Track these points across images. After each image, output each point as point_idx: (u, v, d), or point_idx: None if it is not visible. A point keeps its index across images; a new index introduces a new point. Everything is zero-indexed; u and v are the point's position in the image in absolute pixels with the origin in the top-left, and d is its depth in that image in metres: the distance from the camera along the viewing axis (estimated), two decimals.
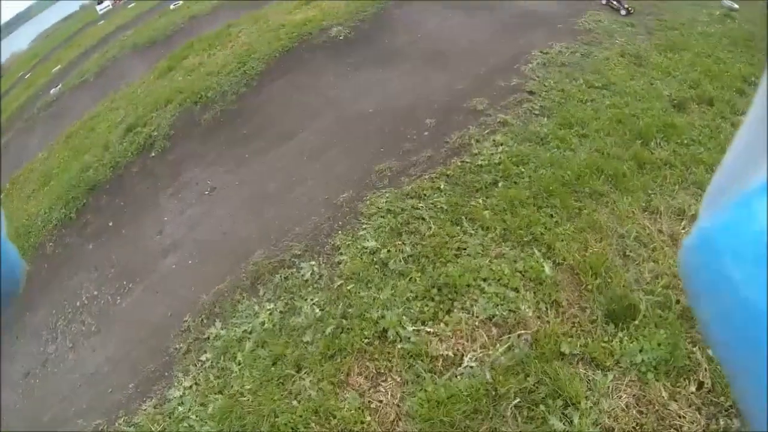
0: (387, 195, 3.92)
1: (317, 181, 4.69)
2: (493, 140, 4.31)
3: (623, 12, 7.56)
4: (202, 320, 3.82)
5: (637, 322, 2.56)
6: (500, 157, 4.04)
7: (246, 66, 7.37)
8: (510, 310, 2.76)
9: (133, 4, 25.86)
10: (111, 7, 30.18)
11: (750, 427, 0.24)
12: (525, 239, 3.19)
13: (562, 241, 3.17)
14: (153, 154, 6.77)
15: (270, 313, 3.45)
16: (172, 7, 16.81)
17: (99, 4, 31.42)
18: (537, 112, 4.72)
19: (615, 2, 7.71)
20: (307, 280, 3.55)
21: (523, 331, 2.64)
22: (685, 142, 4.16)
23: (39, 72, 21.09)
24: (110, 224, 6.12)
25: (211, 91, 7.09)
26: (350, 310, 3.07)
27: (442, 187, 3.81)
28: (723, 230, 0.26)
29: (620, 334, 2.51)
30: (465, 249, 3.22)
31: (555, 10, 8.13)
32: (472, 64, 5.96)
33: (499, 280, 2.94)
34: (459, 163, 4.06)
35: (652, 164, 3.85)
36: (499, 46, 6.35)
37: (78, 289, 5.28)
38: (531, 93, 5.04)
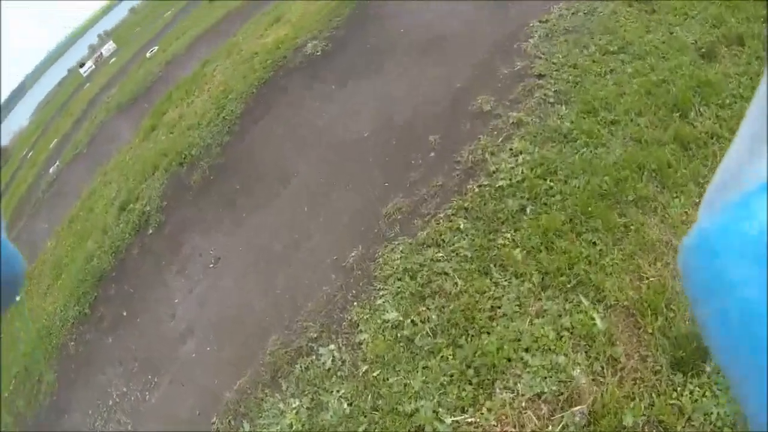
0: (401, 248, 3.35)
1: (322, 235, 4.18)
2: (510, 149, 3.66)
3: None
4: (229, 421, 3.49)
5: (709, 368, 2.12)
6: (522, 171, 3.39)
7: (225, 110, 6.90)
8: (560, 381, 2.31)
9: (113, 59, 25.86)
10: (93, 67, 30.32)
11: (750, 428, 0.23)
12: (568, 285, 2.60)
13: (611, 275, 2.57)
14: (150, 231, 6.40)
15: (296, 412, 3.07)
16: (148, 55, 16.54)
17: (81, 67, 31.64)
18: (552, 99, 4.01)
19: None
20: (329, 369, 3.08)
21: (577, 408, 2.19)
22: (727, 102, 3.41)
23: (39, 147, 21.34)
24: (124, 314, 5.83)
25: (194, 148, 6.65)
26: (380, 401, 2.71)
27: (461, 226, 3.21)
28: (722, 230, 0.25)
29: (690, 385, 2.11)
30: (499, 308, 2.65)
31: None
32: (467, 52, 5.27)
33: (543, 346, 2.40)
34: (476, 189, 3.44)
35: (697, 141, 3.15)
36: (492, 24, 5.62)
37: (107, 386, 5.09)
38: (540, 76, 4.32)
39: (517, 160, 3.53)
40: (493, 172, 3.54)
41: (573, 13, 5.16)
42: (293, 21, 8.24)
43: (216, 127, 6.71)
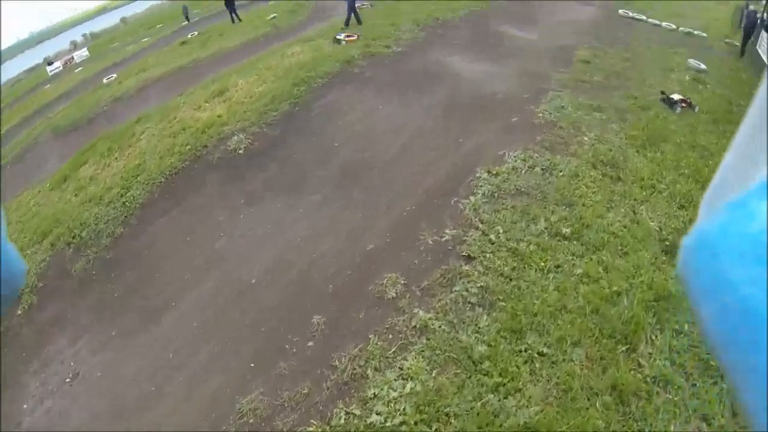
0: None
1: (177, 402, 3.60)
2: (401, 368, 3.10)
3: (678, 109, 6.82)
4: None
5: None
6: (405, 409, 2.82)
7: (129, 194, 6.31)
8: None
9: (80, 69, 24.95)
10: (61, 68, 29.20)
11: (751, 427, 0.24)
12: None
13: None
14: (19, 312, 5.64)
15: None
16: (105, 81, 15.88)
17: (49, 65, 30.46)
18: (474, 299, 3.50)
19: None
20: None
21: None
22: (686, 327, 3.07)
23: None
24: None
25: (86, 229, 5.98)
26: None
27: None
28: (722, 230, 0.25)
29: None
30: None
31: (511, 92, 7.34)
32: (396, 191, 4.95)
33: None
34: (342, 418, 2.87)
35: (638, 393, 2.74)
36: (438, 155, 5.39)
37: None
38: (469, 259, 3.86)
39: (403, 389, 2.96)
40: (370, 399, 2.96)
41: (529, 168, 4.97)
42: (233, 100, 7.86)
43: (114, 211, 6.09)
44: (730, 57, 10.94)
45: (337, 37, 10.03)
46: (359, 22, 11.53)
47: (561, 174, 4.85)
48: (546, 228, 4.04)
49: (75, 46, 52.43)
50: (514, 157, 5.18)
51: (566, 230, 3.99)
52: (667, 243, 4.00)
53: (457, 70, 8.43)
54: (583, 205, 4.35)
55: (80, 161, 8.55)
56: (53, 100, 18.69)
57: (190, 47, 16.27)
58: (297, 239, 4.87)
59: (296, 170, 5.82)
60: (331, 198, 5.18)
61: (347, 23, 11.54)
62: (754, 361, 0.22)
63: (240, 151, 6.39)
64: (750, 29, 10.67)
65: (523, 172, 4.91)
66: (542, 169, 4.97)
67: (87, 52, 29.59)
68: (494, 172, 4.89)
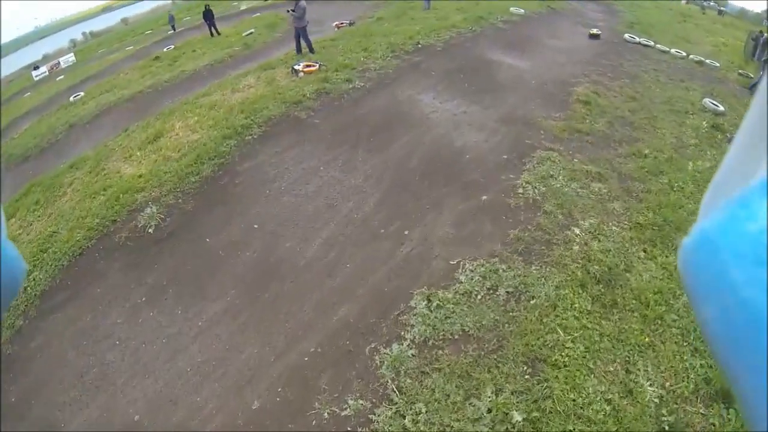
0: None
1: None
2: None
3: None
4: None
5: None
6: None
7: (33, 274, 5.38)
8: None
9: (62, 77, 24.12)
10: (47, 74, 28.43)
11: (750, 428, 0.24)
12: None
13: None
14: None
15: None
16: (72, 99, 14.97)
17: (35, 69, 29.71)
18: None
19: None
20: None
21: None
22: None
23: None
24: None
25: None
26: None
27: None
28: (723, 230, 0.25)
29: None
30: None
31: (487, 149, 6.20)
32: (302, 317, 3.87)
33: None
34: None
35: None
36: (368, 260, 4.29)
37: None
38: None
39: None
40: None
41: (489, 291, 3.89)
42: (162, 152, 6.83)
43: (18, 296, 5.15)
44: (748, 94, 9.69)
45: (295, 67, 8.90)
46: (311, 50, 10.31)
47: (532, 303, 3.76)
48: (490, 410, 2.95)
49: (75, 44, 51.90)
50: (471, 271, 4.07)
51: (519, 417, 2.89)
52: (668, 427, 2.90)
53: (426, 112, 7.32)
54: (555, 365, 3.26)
55: (9, 214, 7.60)
56: (21, 116, 17.84)
57: (160, 64, 15.27)
58: (187, 369, 3.89)
59: (205, 262, 4.79)
60: (232, 310, 4.16)
61: (299, 50, 10.36)
62: (754, 361, 0.22)
63: (150, 230, 5.36)
64: None
65: (479, 298, 3.81)
66: (507, 294, 3.86)
67: (73, 58, 28.77)
68: (437, 301, 3.78)
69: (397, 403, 3.00)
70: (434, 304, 3.72)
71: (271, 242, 4.71)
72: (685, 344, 3.47)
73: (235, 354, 3.70)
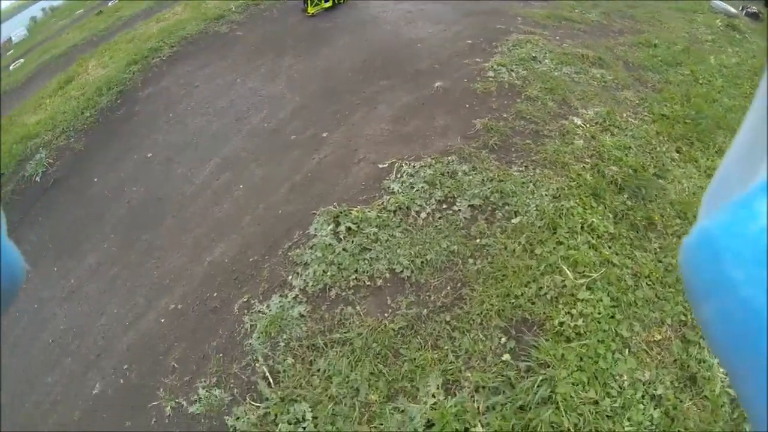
0: None
1: None
2: None
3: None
4: None
5: None
6: None
7: None
8: None
9: (11, 51, 22.57)
10: None
11: (751, 428, 0.23)
12: None
13: None
14: None
15: None
16: (11, 67, 13.72)
17: None
18: None
19: None
20: None
21: None
22: None
23: None
24: None
25: None
26: None
27: None
28: (723, 230, 0.25)
29: None
30: None
31: (445, 38, 5.00)
32: (171, 265, 2.93)
33: None
34: None
35: None
36: (262, 186, 3.33)
37: None
38: None
39: None
40: None
41: (440, 205, 2.79)
42: (68, 94, 5.79)
43: None
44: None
45: None
46: None
47: (515, 223, 2.60)
48: (432, 423, 1.85)
49: (35, 21, 49.32)
50: (411, 175, 2.98)
51: None
52: None
53: (374, 13, 6.06)
54: (559, 333, 2.05)
55: None
56: None
57: (101, 18, 13.85)
58: (50, 340, 3.09)
59: (87, 208, 3.91)
60: (106, 262, 3.29)
61: None
62: (755, 361, 0.21)
63: (37, 179, 4.43)
64: None
65: (422, 217, 2.71)
66: (471, 210, 2.71)
67: (25, 32, 26.88)
68: (348, 223, 2.67)
69: (267, 400, 2.04)
70: (343, 228, 2.63)
71: (161, 173, 3.75)
72: None
73: (95, 318, 2.86)
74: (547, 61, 4.31)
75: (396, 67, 4.41)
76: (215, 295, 2.55)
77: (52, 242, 3.82)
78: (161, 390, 2.24)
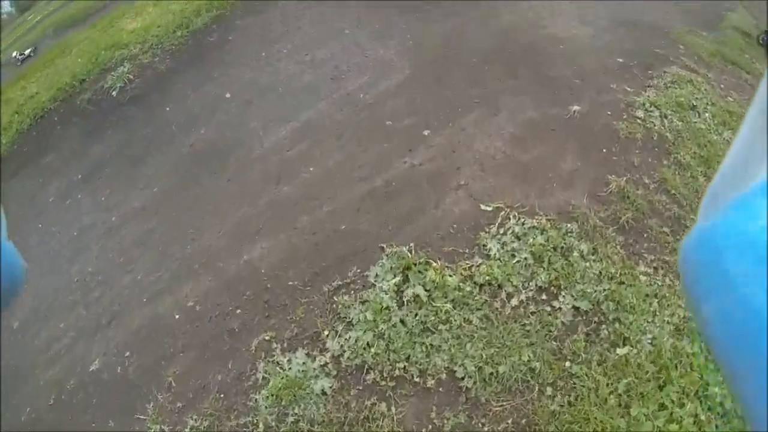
0: None
1: None
2: None
3: None
4: None
5: None
6: None
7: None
8: None
9: None
10: None
11: (750, 427, 0.23)
12: None
13: None
14: None
15: None
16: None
17: None
18: None
19: None
20: None
21: None
22: None
23: None
24: None
25: None
26: None
27: None
28: (723, 230, 0.25)
29: None
30: None
31: (592, 49, 4.09)
32: (206, 251, 2.58)
33: None
34: None
35: None
36: (334, 176, 2.77)
37: None
38: None
39: None
40: None
41: (537, 293, 2.04)
42: (171, 5, 5.50)
43: None
44: None
45: None
46: None
47: (622, 354, 1.90)
48: None
49: None
50: (516, 238, 2.22)
51: None
52: None
53: None
54: None
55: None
56: None
57: None
58: (75, 279, 2.86)
59: (153, 137, 3.61)
60: (151, 207, 2.94)
61: None
62: (753, 359, 0.21)
63: (113, 93, 4.19)
64: None
65: (511, 304, 2.01)
66: (574, 312, 2.00)
67: (10, 7, 26.47)
68: (422, 282, 2.02)
69: None
70: (410, 292, 2.00)
71: (235, 118, 3.31)
72: None
73: (121, 275, 2.53)
74: (707, 115, 3.30)
75: (528, 66, 3.59)
76: (238, 312, 2.10)
77: (112, 164, 3.58)
78: (151, 405, 1.90)
